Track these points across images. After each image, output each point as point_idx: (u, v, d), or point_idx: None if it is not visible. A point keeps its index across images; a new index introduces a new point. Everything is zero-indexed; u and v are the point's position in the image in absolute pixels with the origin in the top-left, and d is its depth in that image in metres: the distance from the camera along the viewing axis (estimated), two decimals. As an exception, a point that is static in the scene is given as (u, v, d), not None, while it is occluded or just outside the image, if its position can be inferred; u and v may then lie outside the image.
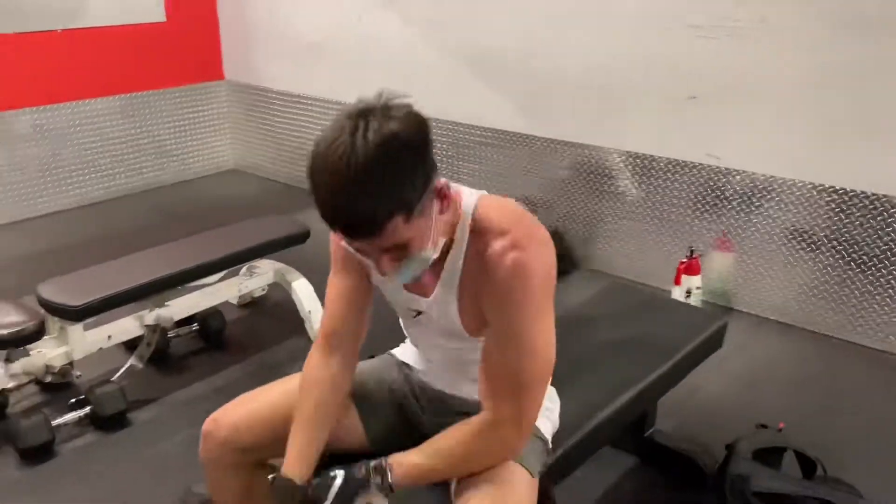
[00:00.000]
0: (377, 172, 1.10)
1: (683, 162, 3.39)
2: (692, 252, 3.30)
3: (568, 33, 3.59)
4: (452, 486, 1.39)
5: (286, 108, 4.99)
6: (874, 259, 2.99)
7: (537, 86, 3.78)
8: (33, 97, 4.37)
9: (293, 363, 2.95)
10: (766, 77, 3.09)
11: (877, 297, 3.02)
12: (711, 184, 3.33)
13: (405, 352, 1.69)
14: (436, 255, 1.27)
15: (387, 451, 1.54)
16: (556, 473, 1.64)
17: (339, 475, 1.30)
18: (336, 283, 1.47)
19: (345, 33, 4.47)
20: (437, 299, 1.39)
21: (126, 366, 2.72)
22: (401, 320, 1.60)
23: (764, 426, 2.19)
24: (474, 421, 1.32)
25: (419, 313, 1.45)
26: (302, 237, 3.07)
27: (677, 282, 3.28)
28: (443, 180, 1.24)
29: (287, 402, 1.50)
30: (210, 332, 3.07)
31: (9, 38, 4.22)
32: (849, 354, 3.05)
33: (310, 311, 3.01)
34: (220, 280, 2.97)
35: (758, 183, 3.20)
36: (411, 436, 1.58)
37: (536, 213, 3.89)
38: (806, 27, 2.95)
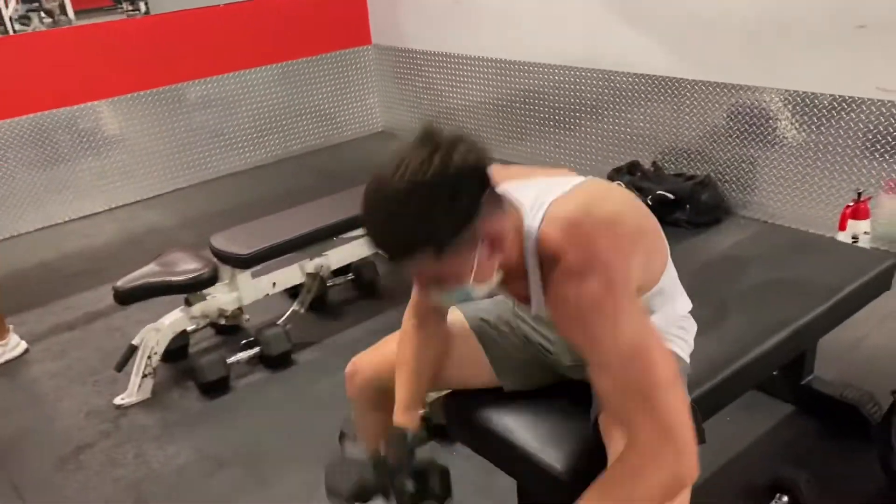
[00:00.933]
0: (410, 202, 1.10)
1: (850, 98, 3.13)
2: (860, 195, 3.07)
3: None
4: (600, 417, 1.39)
5: (431, 67, 5.07)
6: None
7: (687, 26, 3.61)
8: (202, 69, 4.73)
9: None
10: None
11: None
12: (883, 120, 3.06)
13: None
14: (483, 294, 1.25)
15: (516, 386, 1.60)
16: (702, 412, 1.62)
17: None
18: None
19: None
20: (538, 317, 1.40)
21: (290, 311, 2.94)
22: None
23: (939, 374, 2.03)
24: (622, 455, 1.18)
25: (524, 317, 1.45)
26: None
27: (842, 227, 3.07)
28: (497, 225, 1.19)
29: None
30: (364, 281, 3.24)
31: (178, 16, 4.59)
32: None
33: (456, 261, 3.10)
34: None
35: (938, 117, 2.91)
36: (541, 367, 1.62)
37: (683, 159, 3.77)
38: None
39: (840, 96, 3.16)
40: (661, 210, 3.58)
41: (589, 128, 4.23)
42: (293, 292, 3.05)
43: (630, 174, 3.82)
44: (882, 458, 1.90)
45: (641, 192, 3.65)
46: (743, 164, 3.59)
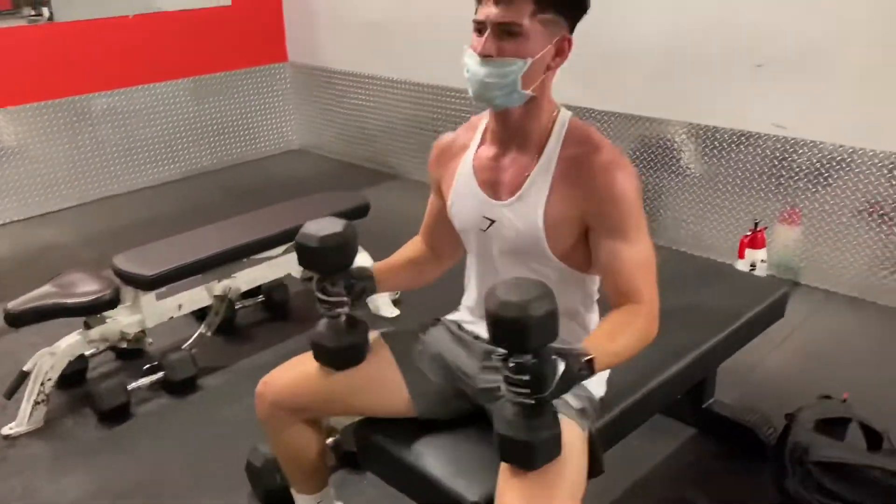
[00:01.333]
0: None
1: (748, 133, 3.30)
2: (757, 225, 3.22)
3: (628, 1, 3.53)
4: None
5: (348, 87, 5.06)
6: (951, 230, 2.87)
7: (598, 58, 3.71)
8: (109, 81, 4.55)
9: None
10: (836, 42, 2.98)
11: (954, 270, 2.90)
12: (778, 155, 3.24)
13: (460, 314, 1.72)
14: (525, 89, 1.41)
15: (430, 412, 1.59)
16: (609, 437, 1.65)
17: (561, 364, 1.22)
18: (431, 200, 1.75)
19: (404, 11, 4.50)
20: (522, 199, 1.46)
21: (196, 334, 2.84)
22: (469, 258, 1.66)
23: (827, 397, 2.13)
24: (630, 309, 1.42)
25: (491, 224, 1.51)
26: (362, 211, 3.12)
27: (741, 255, 3.21)
28: (567, 50, 1.44)
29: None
30: (274, 303, 3.17)
31: (85, 25, 4.41)
32: (922, 329, 2.94)
33: (370, 284, 3.08)
34: (284, 253, 3.05)
35: (826, 153, 3.10)
36: (460, 402, 1.62)
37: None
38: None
39: (739, 131, 3.32)
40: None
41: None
42: (200, 314, 2.95)
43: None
44: (776, 479, 1.98)
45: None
46: (649, 192, 3.72)
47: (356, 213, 3.11)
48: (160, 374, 2.65)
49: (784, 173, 3.24)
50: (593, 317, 1.61)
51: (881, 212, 3.00)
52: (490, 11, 1.37)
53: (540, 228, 1.45)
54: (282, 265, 3.06)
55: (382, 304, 3.09)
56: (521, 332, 1.15)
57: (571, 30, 1.44)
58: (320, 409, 1.64)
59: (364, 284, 1.59)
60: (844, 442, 2.00)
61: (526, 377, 1.18)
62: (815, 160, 3.13)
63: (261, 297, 3.18)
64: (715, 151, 3.43)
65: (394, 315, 3.08)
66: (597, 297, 1.61)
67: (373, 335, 1.65)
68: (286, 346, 2.93)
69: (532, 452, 1.23)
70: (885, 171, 2.96)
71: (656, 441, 2.28)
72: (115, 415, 2.52)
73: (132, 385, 2.59)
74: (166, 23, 4.71)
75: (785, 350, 2.78)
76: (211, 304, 2.86)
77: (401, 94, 4.73)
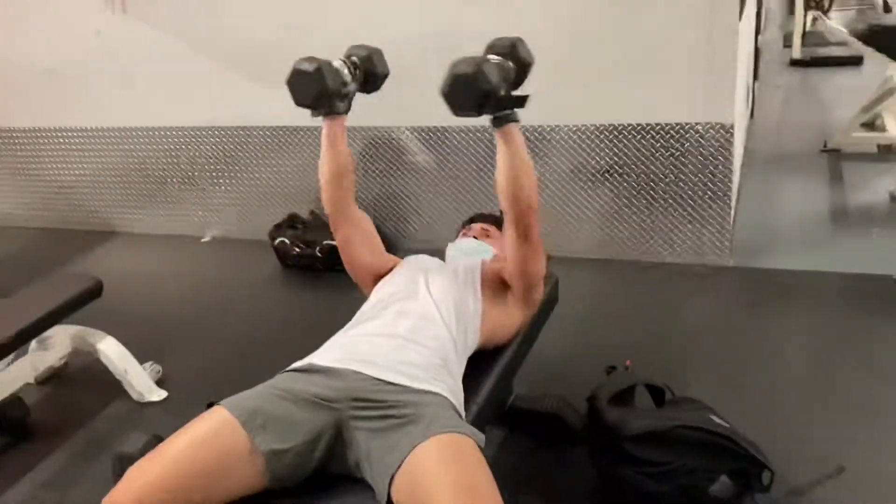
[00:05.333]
0: None
1: (459, 127, 3.43)
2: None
3: (328, 19, 3.48)
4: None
5: (37, 146, 4.43)
6: (658, 182, 3.24)
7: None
8: None
9: (123, 430, 2.64)
10: (531, 32, 3.18)
11: (667, 214, 3.28)
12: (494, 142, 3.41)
13: (324, 356, 1.69)
14: None
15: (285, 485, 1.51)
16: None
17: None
18: None
19: (85, 52, 4.02)
20: None
21: None
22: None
23: (613, 367, 2.28)
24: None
25: None
26: (94, 292, 2.72)
27: (487, 242, 3.35)
28: None
29: (192, 454, 1.45)
30: (10, 423, 2.64)
31: None
32: (660, 274, 3.29)
33: (126, 370, 2.71)
34: (9, 364, 2.57)
35: (542, 133, 3.33)
36: (323, 469, 1.54)
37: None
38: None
39: (457, 126, 3.44)
40: (332, 258, 3.56)
41: (232, 187, 4.04)
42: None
43: (293, 228, 3.73)
44: (592, 460, 2.08)
45: (309, 245, 3.60)
46: (391, 199, 3.77)
47: (86, 296, 2.71)
48: None
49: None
50: None
51: (604, 171, 3.31)
52: None
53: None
54: (12, 377, 2.57)
55: (146, 389, 2.74)
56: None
57: None
58: None
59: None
60: (637, 407, 2.15)
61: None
62: (530, 139, 3.35)
63: (-9, 420, 2.64)
64: (438, 148, 3.54)
65: (162, 397, 2.75)
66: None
67: (216, 409, 1.53)
68: (41, 471, 2.44)
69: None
70: (582, 141, 3.27)
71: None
72: None
73: None
74: None
75: (553, 327, 2.93)
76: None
77: (103, 143, 4.23)
